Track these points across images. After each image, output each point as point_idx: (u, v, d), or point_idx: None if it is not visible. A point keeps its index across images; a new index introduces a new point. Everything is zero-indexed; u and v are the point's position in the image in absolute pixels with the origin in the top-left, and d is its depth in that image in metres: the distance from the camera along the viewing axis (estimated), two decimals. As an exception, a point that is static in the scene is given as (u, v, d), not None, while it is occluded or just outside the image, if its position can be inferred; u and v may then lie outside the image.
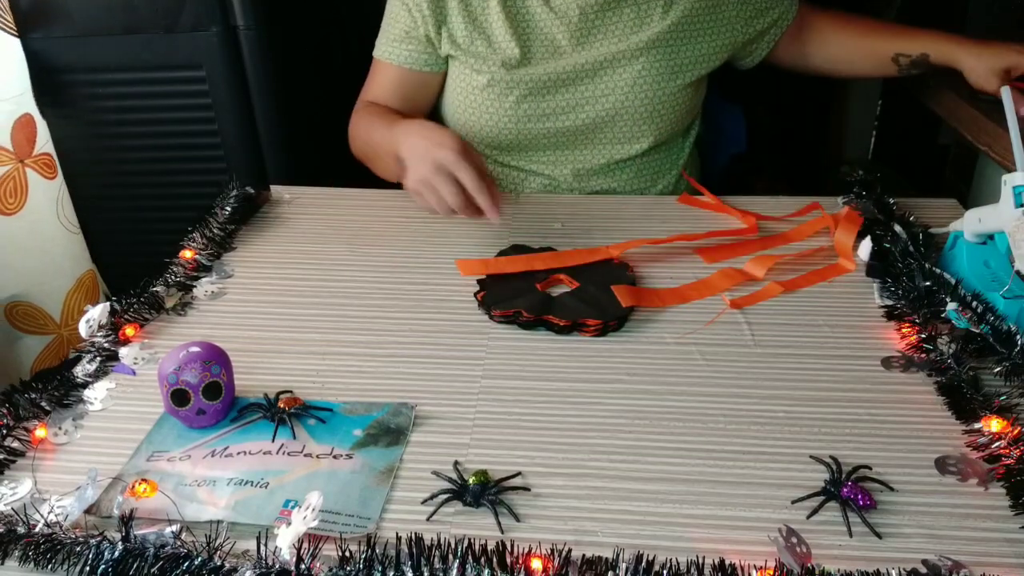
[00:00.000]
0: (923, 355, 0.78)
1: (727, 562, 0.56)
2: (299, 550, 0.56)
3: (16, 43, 1.27)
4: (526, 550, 0.57)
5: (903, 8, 1.95)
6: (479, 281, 0.90)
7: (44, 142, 1.33)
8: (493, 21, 1.10)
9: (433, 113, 1.21)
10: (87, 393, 0.75)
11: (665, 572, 0.55)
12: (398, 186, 1.14)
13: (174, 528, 0.59)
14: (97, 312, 0.82)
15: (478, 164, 0.91)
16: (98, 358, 0.79)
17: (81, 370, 0.78)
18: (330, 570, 0.56)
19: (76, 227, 1.41)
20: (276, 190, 1.13)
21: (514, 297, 0.86)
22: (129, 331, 0.83)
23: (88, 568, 0.56)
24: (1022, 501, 0.62)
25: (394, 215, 1.07)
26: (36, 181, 1.32)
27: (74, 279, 1.41)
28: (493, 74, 1.10)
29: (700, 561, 0.56)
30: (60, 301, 1.38)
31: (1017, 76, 1.04)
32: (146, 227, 1.52)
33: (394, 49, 1.14)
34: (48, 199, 1.34)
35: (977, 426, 0.69)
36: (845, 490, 0.62)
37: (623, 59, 1.10)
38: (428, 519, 0.62)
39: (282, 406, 0.71)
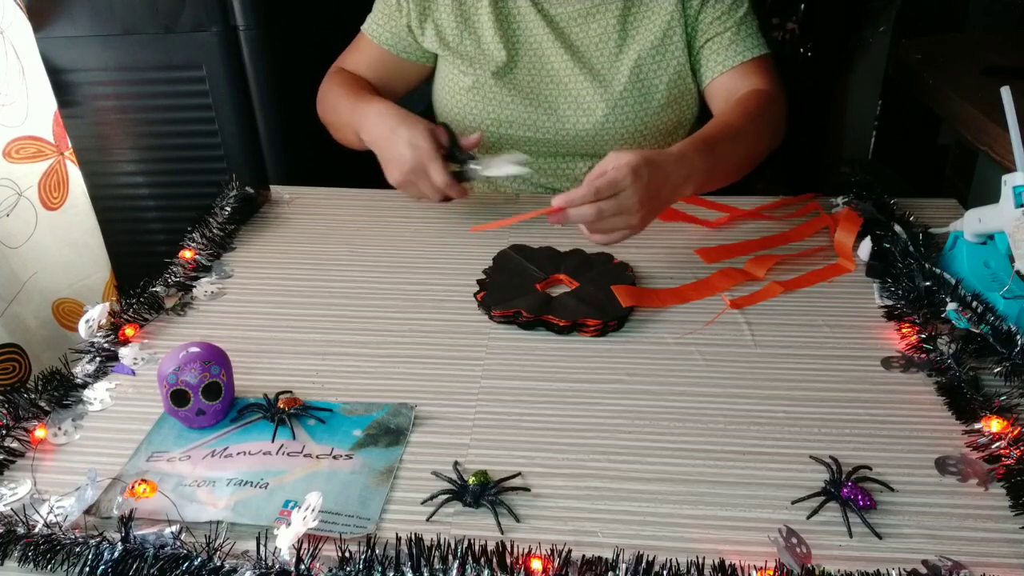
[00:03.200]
0: (923, 355, 0.78)
1: (727, 562, 0.56)
2: (299, 550, 0.56)
3: (34, 39, 1.28)
4: (526, 550, 0.57)
5: (903, 8, 1.95)
6: (479, 281, 0.90)
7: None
8: (484, 22, 1.10)
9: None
10: (87, 393, 0.75)
11: (665, 572, 0.55)
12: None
13: (174, 529, 0.59)
14: (97, 312, 0.82)
15: (437, 157, 0.98)
16: (98, 358, 0.79)
17: (81, 370, 0.78)
18: (330, 571, 0.55)
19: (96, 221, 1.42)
20: (276, 190, 1.13)
21: (514, 297, 0.86)
22: (129, 331, 0.83)
23: (88, 569, 0.56)
24: (1022, 501, 0.62)
25: (394, 215, 1.07)
26: (74, 173, 1.33)
27: (109, 273, 1.41)
28: (478, 77, 1.10)
29: (700, 561, 0.56)
30: (100, 296, 1.39)
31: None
32: (146, 227, 1.52)
33: (378, 28, 1.15)
34: (83, 192, 1.35)
35: (977, 426, 0.69)
36: (845, 490, 0.61)
37: (605, 76, 1.10)
38: (428, 519, 0.62)
39: (282, 406, 0.71)
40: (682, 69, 1.11)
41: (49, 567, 0.57)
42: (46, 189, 1.28)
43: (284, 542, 0.56)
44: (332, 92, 1.15)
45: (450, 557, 0.56)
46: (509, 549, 0.56)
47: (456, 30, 1.11)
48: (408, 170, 0.99)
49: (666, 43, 1.09)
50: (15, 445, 0.68)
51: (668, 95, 1.10)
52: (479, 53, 1.11)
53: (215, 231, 1.00)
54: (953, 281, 0.84)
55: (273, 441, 0.69)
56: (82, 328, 0.81)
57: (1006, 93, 0.81)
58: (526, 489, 0.64)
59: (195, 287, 0.91)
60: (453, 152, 1.02)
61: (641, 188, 0.83)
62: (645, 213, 0.86)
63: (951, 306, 0.81)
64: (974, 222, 0.87)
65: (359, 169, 1.20)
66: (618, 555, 0.56)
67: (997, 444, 0.66)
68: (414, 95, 1.26)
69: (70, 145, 1.33)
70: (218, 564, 0.56)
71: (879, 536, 0.59)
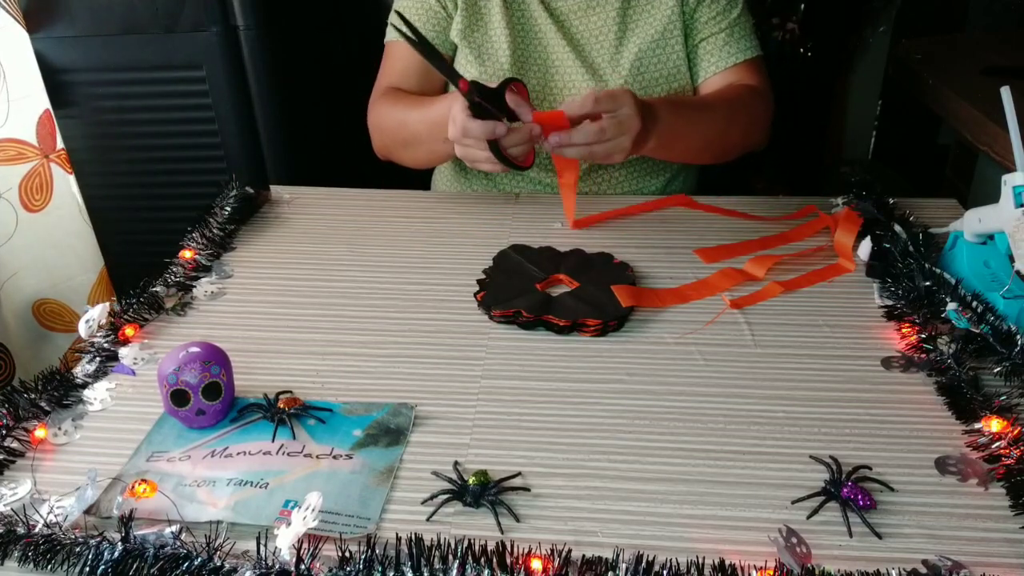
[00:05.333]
0: (923, 355, 0.78)
1: (727, 562, 0.56)
2: (299, 550, 0.56)
3: (27, 39, 1.28)
4: (526, 550, 0.57)
5: (903, 8, 1.95)
6: (479, 281, 0.90)
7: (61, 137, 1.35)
8: (493, 13, 1.11)
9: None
10: (87, 393, 0.75)
11: (665, 572, 0.55)
12: (398, 185, 1.14)
13: (174, 528, 0.59)
14: (97, 312, 0.82)
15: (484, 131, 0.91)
16: (98, 358, 0.79)
17: (81, 370, 0.78)
18: (330, 570, 0.55)
19: (89, 223, 1.42)
20: (276, 190, 1.13)
21: (514, 297, 0.86)
22: (129, 331, 0.83)
23: (88, 569, 0.56)
24: (1022, 501, 0.62)
25: (394, 215, 1.07)
26: (60, 176, 1.33)
27: (96, 274, 1.41)
28: (484, 69, 1.10)
29: (700, 561, 0.56)
30: (85, 297, 1.39)
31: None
32: (146, 227, 1.52)
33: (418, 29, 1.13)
34: (71, 194, 1.35)
35: (977, 426, 0.69)
36: (845, 490, 0.61)
37: (605, 71, 1.10)
38: (428, 519, 0.62)
39: (282, 406, 0.71)
40: (681, 64, 1.11)
41: (49, 567, 0.57)
42: (27, 191, 1.28)
43: (284, 542, 0.56)
44: (391, 113, 1.10)
45: (450, 557, 0.55)
46: (509, 549, 0.56)
47: (470, 21, 1.11)
48: (452, 135, 0.93)
49: (666, 38, 1.10)
50: (15, 445, 0.68)
51: (666, 90, 1.11)
52: (487, 43, 1.11)
53: (215, 231, 1.00)
54: (953, 281, 0.84)
55: (273, 441, 0.69)
56: (82, 328, 0.81)
57: (1006, 93, 0.81)
58: (526, 489, 0.64)
59: (195, 287, 0.91)
60: (478, 105, 0.92)
61: (635, 105, 0.90)
62: (638, 136, 0.91)
63: (951, 306, 0.81)
64: (974, 222, 0.87)
65: (359, 169, 1.20)
66: (618, 555, 0.56)
67: (997, 444, 0.66)
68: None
69: (60, 147, 1.33)
70: (218, 564, 0.56)
71: (879, 536, 0.59)
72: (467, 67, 1.12)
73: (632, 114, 0.89)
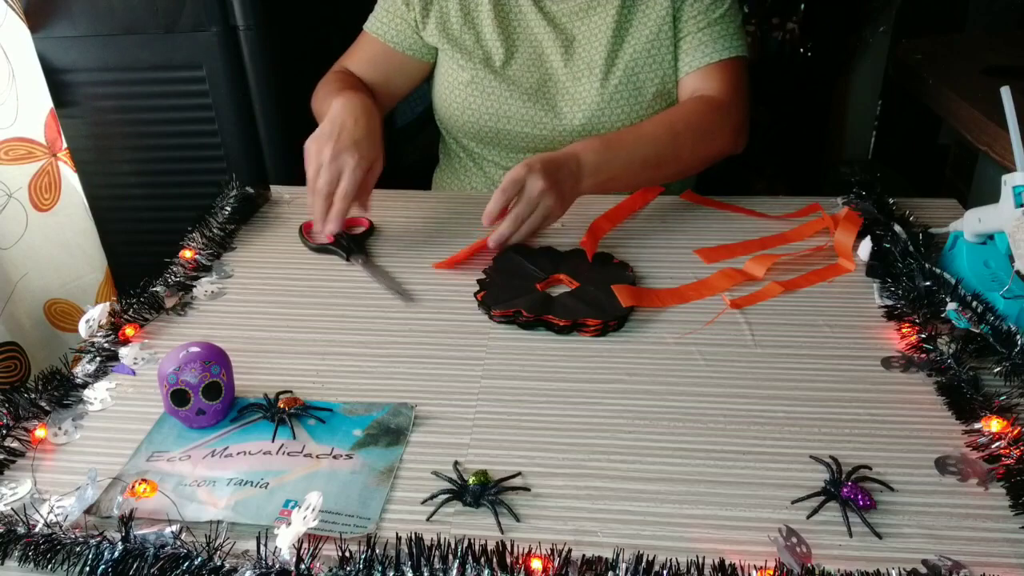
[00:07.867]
0: (923, 355, 0.78)
1: (727, 562, 0.56)
2: (299, 550, 0.56)
3: (30, 38, 1.28)
4: (526, 550, 0.57)
5: (903, 8, 1.95)
6: (479, 281, 0.90)
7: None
8: (483, 17, 1.11)
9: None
10: (87, 393, 0.75)
11: (665, 572, 0.55)
12: (398, 186, 1.14)
13: (174, 528, 0.59)
14: (97, 312, 0.82)
15: (365, 177, 0.95)
16: (98, 358, 0.79)
17: (81, 370, 0.78)
18: (330, 570, 0.56)
19: (93, 222, 1.42)
20: (276, 190, 1.13)
21: (514, 297, 0.86)
22: (129, 331, 0.83)
23: (88, 568, 0.56)
24: (1022, 501, 0.62)
25: (394, 214, 1.07)
26: (67, 175, 1.33)
27: (103, 274, 1.41)
28: (476, 72, 1.10)
29: (700, 561, 0.56)
30: (93, 297, 1.39)
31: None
32: (146, 227, 1.52)
33: (381, 25, 1.15)
34: (78, 193, 1.35)
35: (977, 426, 0.69)
36: (845, 490, 0.62)
37: (600, 71, 1.10)
38: (428, 519, 0.62)
39: (282, 406, 0.71)
40: (674, 63, 1.11)
41: (49, 567, 0.57)
42: (37, 191, 1.28)
43: (284, 542, 0.56)
44: (323, 87, 1.14)
45: (450, 557, 0.56)
46: (509, 549, 0.56)
47: (456, 24, 1.11)
48: (336, 138, 0.94)
49: (660, 38, 1.10)
50: (15, 445, 0.68)
51: (659, 89, 1.11)
52: (477, 47, 1.11)
53: (215, 231, 1.00)
54: (953, 281, 0.84)
55: (273, 441, 0.69)
56: (82, 328, 0.81)
57: (1006, 93, 0.81)
58: (526, 489, 0.64)
59: (195, 287, 0.91)
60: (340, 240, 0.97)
61: (538, 173, 0.91)
62: (556, 195, 0.92)
63: (951, 306, 0.81)
64: (974, 222, 0.87)
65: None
66: (618, 555, 0.56)
67: (997, 444, 0.66)
68: (414, 95, 1.26)
69: (65, 146, 1.33)
70: (218, 564, 0.56)
71: (879, 536, 0.60)
72: (457, 72, 1.12)
73: (537, 186, 0.90)
